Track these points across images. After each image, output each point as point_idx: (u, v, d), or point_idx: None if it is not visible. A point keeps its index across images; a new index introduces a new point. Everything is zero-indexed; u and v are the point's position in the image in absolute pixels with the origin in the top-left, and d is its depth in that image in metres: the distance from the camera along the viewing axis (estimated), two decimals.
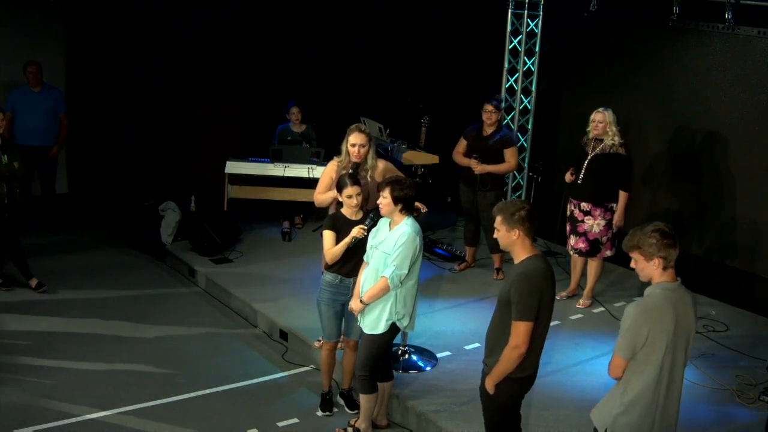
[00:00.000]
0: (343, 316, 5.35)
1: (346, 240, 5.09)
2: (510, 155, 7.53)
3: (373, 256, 4.94)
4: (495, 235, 4.19)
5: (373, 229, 5.04)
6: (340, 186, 5.20)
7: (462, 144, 7.66)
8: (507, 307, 4.07)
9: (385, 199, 4.83)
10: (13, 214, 7.09)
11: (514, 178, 9.22)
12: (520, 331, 4.01)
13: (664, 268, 3.73)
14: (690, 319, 3.79)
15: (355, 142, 5.76)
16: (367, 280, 4.97)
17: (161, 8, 9.10)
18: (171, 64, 9.50)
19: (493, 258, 7.91)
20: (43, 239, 8.56)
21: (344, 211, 5.23)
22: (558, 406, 5.41)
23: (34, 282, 7.33)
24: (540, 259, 4.13)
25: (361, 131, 5.78)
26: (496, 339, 4.16)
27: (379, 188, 4.93)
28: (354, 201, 5.13)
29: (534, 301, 4.01)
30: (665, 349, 3.69)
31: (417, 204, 5.86)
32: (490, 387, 4.18)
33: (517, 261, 4.14)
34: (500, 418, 4.34)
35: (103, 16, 9.07)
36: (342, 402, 5.66)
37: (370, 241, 5.00)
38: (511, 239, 4.10)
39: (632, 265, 3.83)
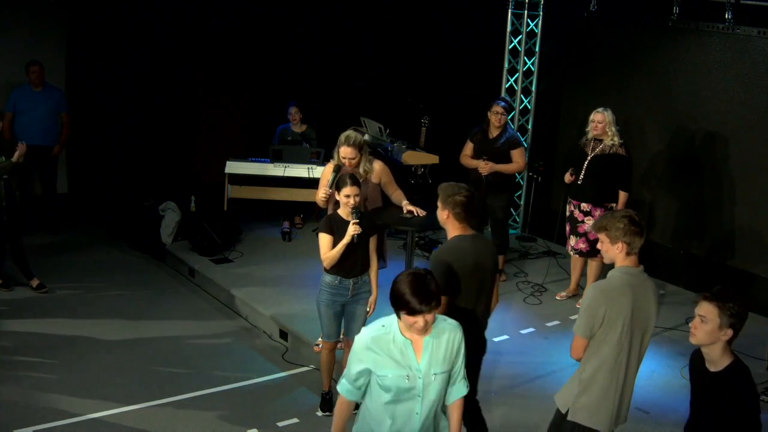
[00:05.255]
0: (342, 317, 5.36)
1: (343, 242, 5.09)
2: (518, 156, 7.53)
3: (424, 386, 3.48)
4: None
5: (388, 351, 3.47)
6: (339, 185, 5.20)
7: (469, 147, 7.66)
8: None
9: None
10: (13, 215, 7.09)
11: (515, 178, 9.22)
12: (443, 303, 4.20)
13: (627, 254, 3.86)
14: (649, 307, 3.89)
15: (344, 155, 5.80)
16: (427, 418, 3.56)
17: (161, 8, 9.10)
18: (171, 64, 9.50)
19: None
20: (43, 239, 8.57)
21: (341, 212, 5.23)
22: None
23: (35, 282, 7.33)
24: (464, 239, 4.38)
25: (349, 144, 5.78)
26: None
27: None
28: (351, 201, 5.12)
29: (443, 277, 4.19)
30: (621, 329, 3.79)
31: (412, 208, 5.90)
32: None
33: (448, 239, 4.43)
34: None
35: (104, 16, 9.06)
36: None
37: (397, 371, 3.46)
38: (443, 218, 4.41)
39: (598, 246, 3.98)
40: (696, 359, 3.61)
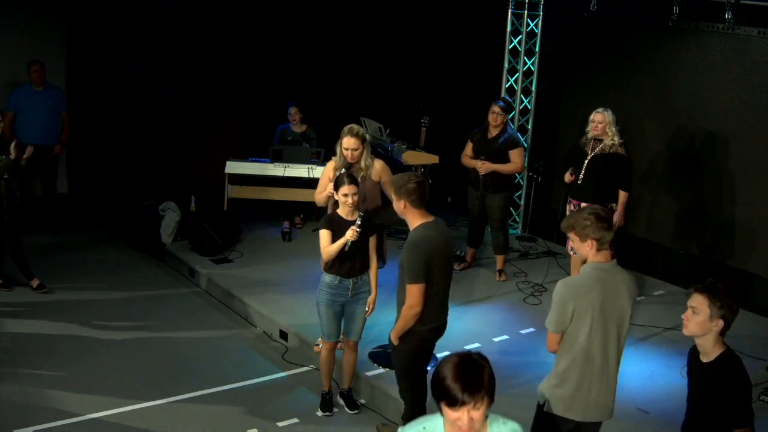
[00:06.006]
0: (342, 317, 5.36)
1: (341, 241, 5.09)
2: (516, 156, 7.54)
3: None
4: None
5: None
6: (337, 184, 5.20)
7: (469, 147, 7.69)
8: (403, 270, 4.57)
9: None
10: (13, 215, 7.09)
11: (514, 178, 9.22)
12: (412, 292, 4.48)
13: (598, 249, 3.91)
14: (622, 300, 3.95)
15: (347, 146, 5.78)
16: None
17: (161, 8, 9.10)
18: (171, 64, 9.50)
19: (497, 259, 7.93)
20: (43, 239, 8.57)
21: (340, 211, 5.23)
22: None
23: (35, 282, 7.33)
24: (429, 227, 4.55)
25: (353, 134, 5.78)
26: (399, 298, 4.68)
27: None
28: (350, 200, 5.12)
29: (420, 265, 4.43)
30: (591, 324, 3.85)
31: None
32: (393, 339, 4.67)
33: (411, 228, 4.58)
34: (406, 365, 4.78)
35: (104, 16, 9.07)
36: (342, 402, 5.66)
37: None
38: (401, 209, 4.57)
39: (570, 244, 4.04)
40: (693, 353, 3.67)
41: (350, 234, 5.05)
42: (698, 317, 3.46)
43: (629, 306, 3.98)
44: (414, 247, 4.48)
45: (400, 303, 4.67)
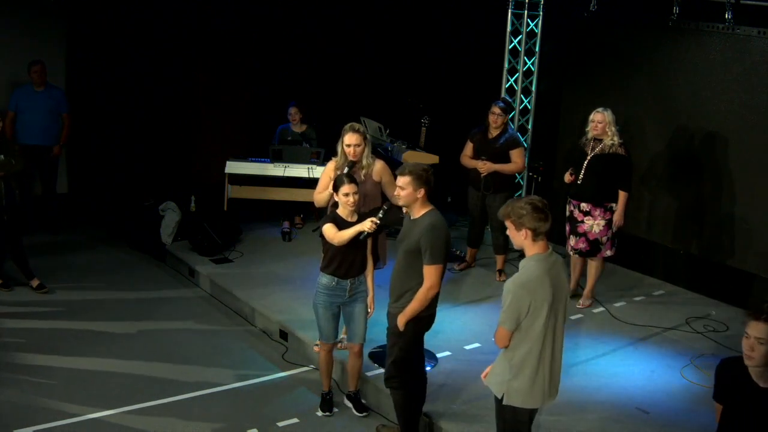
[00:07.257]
0: (340, 318, 5.36)
1: (356, 228, 5.04)
2: (517, 156, 7.55)
3: None
4: (397, 194, 4.72)
5: None
6: (336, 185, 5.19)
7: (469, 147, 7.68)
8: (415, 255, 4.62)
9: None
10: (13, 215, 7.10)
11: (514, 178, 9.21)
12: (434, 273, 4.59)
13: (534, 240, 3.95)
14: (563, 281, 4.06)
15: (349, 142, 5.77)
16: None
17: (161, 8, 9.10)
18: (171, 64, 9.51)
19: (497, 259, 7.93)
20: (43, 239, 8.57)
21: (340, 211, 5.22)
22: (558, 407, 5.38)
23: (35, 282, 7.33)
24: (438, 213, 4.72)
25: (355, 131, 5.79)
26: (403, 285, 4.74)
27: None
28: (350, 199, 5.11)
29: (444, 245, 4.61)
30: (547, 315, 3.90)
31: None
32: (401, 325, 4.71)
33: (418, 215, 4.70)
34: (407, 353, 4.86)
35: (104, 16, 9.07)
36: (350, 404, 5.64)
37: None
38: (416, 197, 4.66)
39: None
40: (730, 373, 3.50)
41: (368, 225, 5.02)
42: (764, 347, 3.28)
43: (567, 283, 4.10)
44: (439, 229, 4.60)
45: (402, 289, 4.73)
